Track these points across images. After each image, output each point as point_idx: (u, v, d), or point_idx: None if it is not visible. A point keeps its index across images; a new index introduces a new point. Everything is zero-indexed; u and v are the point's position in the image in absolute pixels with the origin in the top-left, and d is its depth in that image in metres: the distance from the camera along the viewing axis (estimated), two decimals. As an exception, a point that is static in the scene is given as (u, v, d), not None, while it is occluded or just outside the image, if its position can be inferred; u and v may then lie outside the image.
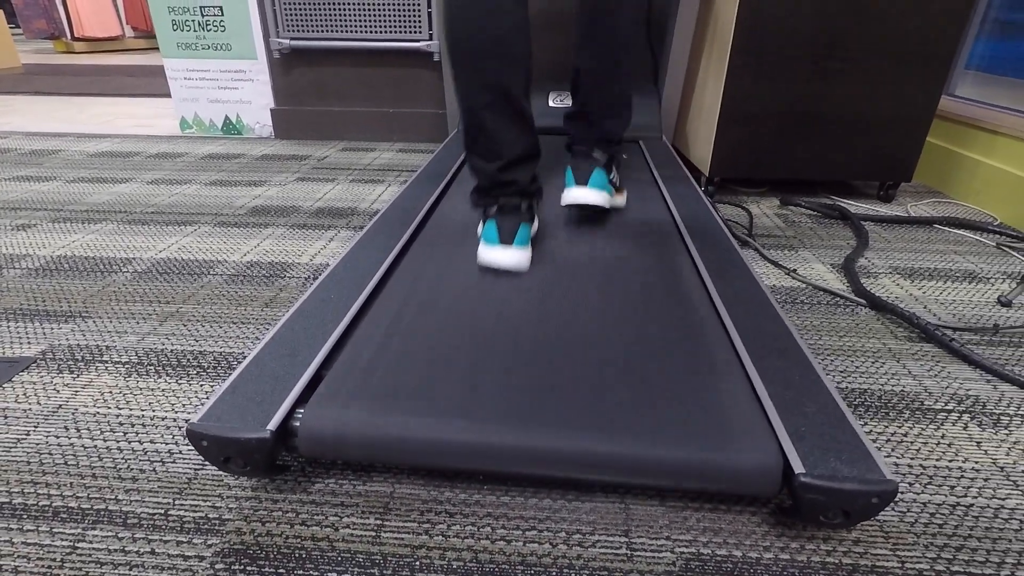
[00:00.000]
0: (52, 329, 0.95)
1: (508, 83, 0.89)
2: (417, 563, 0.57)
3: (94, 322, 0.97)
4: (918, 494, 0.66)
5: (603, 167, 1.05)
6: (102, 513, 0.62)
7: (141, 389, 0.81)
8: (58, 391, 0.81)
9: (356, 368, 0.67)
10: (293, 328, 0.72)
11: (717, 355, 0.71)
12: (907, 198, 1.65)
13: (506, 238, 0.91)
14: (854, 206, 1.57)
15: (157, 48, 5.67)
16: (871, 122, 1.49)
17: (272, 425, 0.56)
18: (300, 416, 0.60)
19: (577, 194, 1.03)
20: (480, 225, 1.01)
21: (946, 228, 1.42)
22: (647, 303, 0.83)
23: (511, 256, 0.91)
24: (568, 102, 1.82)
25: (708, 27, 1.61)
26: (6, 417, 0.76)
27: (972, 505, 0.65)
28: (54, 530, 0.60)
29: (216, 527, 0.60)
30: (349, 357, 0.68)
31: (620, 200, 1.21)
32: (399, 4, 1.96)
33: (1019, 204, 1.43)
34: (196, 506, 0.63)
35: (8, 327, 0.96)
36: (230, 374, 0.83)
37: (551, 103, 1.79)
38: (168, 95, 2.99)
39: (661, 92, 1.80)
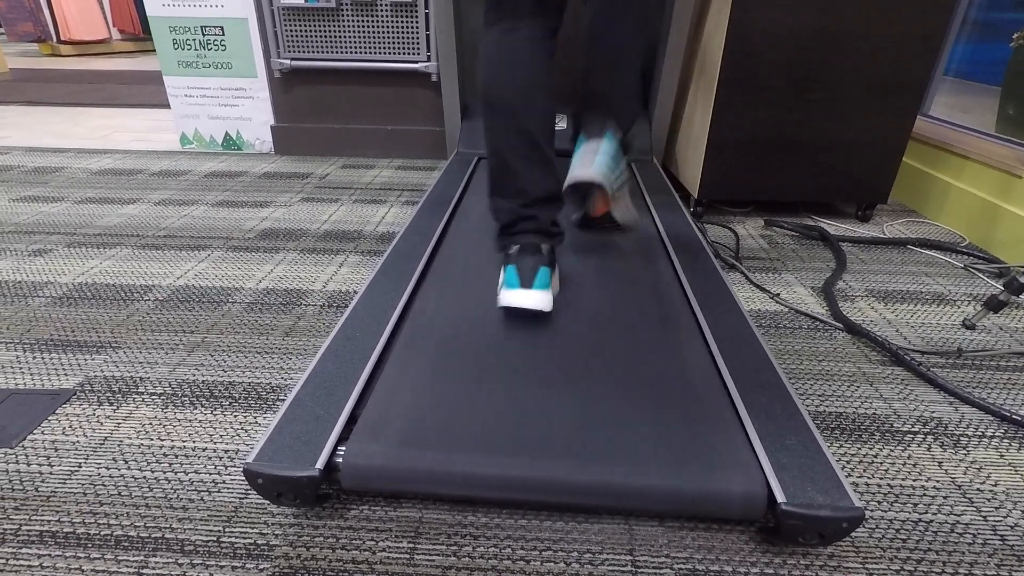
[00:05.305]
0: (86, 360, 1.01)
1: (534, 129, 0.97)
2: (448, 583, 0.64)
3: (125, 353, 1.03)
4: (885, 512, 0.75)
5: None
6: (160, 541, 0.69)
7: (179, 420, 0.88)
8: (101, 423, 0.87)
9: (388, 406, 0.74)
10: (326, 368, 0.79)
11: (709, 391, 0.79)
12: (884, 217, 1.75)
13: (526, 282, 0.92)
14: (833, 226, 1.66)
15: (144, 51, 5.68)
16: (849, 148, 1.59)
17: (320, 464, 0.63)
18: (342, 453, 0.67)
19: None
20: (501, 273, 1.02)
21: (918, 249, 1.52)
22: (645, 338, 0.91)
23: (531, 297, 0.91)
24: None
25: (697, 58, 1.69)
26: (57, 449, 0.82)
27: (932, 521, 0.73)
28: (119, 558, 0.67)
29: (265, 552, 0.67)
30: (380, 396, 0.76)
31: (629, 213, 1.23)
32: (398, 27, 2.02)
33: (985, 226, 1.53)
34: (245, 533, 0.70)
35: (44, 359, 1.01)
36: (264, 408, 0.90)
37: (547, 125, 1.86)
38: (164, 106, 3.03)
39: (652, 116, 1.88)
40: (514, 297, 0.92)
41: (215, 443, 0.83)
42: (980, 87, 1.81)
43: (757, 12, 1.42)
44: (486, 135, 1.00)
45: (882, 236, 1.60)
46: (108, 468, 0.79)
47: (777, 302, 1.24)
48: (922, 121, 1.84)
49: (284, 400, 0.91)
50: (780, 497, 0.61)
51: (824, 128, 1.56)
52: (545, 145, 0.99)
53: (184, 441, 0.84)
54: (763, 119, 1.55)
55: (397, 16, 2.00)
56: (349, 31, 2.04)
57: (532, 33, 0.98)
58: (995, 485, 0.79)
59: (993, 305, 1.12)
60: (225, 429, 0.86)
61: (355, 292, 1.25)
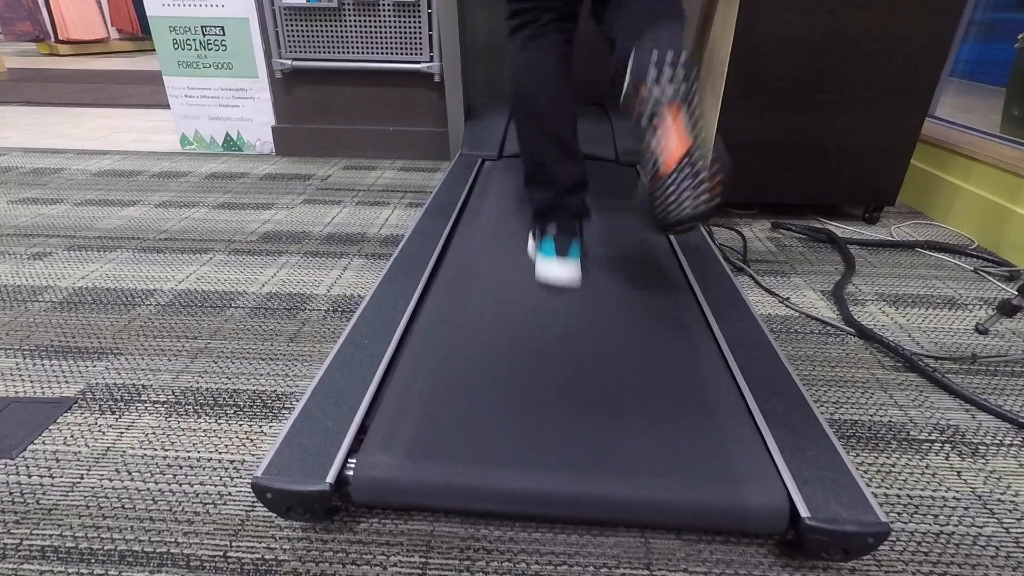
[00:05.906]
0: (87, 367, 0.99)
1: (561, 131, 1.10)
2: (462, 599, 0.63)
3: (127, 359, 1.01)
4: (906, 523, 0.73)
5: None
6: (165, 556, 0.67)
7: (183, 429, 0.86)
8: (103, 433, 0.85)
9: (397, 417, 0.72)
10: (334, 377, 0.77)
11: (726, 401, 0.77)
12: (891, 219, 1.73)
13: (562, 251, 1.09)
14: (841, 228, 1.65)
15: (143, 51, 5.64)
16: (856, 151, 1.57)
17: (330, 477, 0.62)
18: (352, 466, 0.65)
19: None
20: (533, 244, 1.17)
21: (927, 251, 1.51)
22: (659, 346, 0.89)
23: (566, 269, 1.08)
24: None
25: (704, 61, 1.68)
26: (58, 460, 0.80)
27: (953, 533, 0.72)
28: (123, 573, 0.65)
29: (273, 568, 0.66)
30: (390, 406, 0.74)
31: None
32: (400, 27, 2.00)
33: (994, 228, 1.52)
34: (252, 547, 0.68)
35: (44, 365, 1.00)
36: (270, 416, 0.88)
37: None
38: (163, 106, 3.01)
39: (657, 116, 1.87)
40: (550, 268, 1.09)
41: (220, 453, 0.82)
42: (982, 87, 1.80)
43: (765, 14, 1.41)
44: (519, 136, 1.14)
45: (890, 239, 1.58)
46: (111, 480, 0.77)
47: (787, 306, 1.23)
48: (929, 122, 1.82)
49: (291, 410, 0.90)
50: (803, 512, 0.60)
51: (831, 130, 1.55)
52: (571, 141, 1.12)
53: (188, 451, 0.82)
54: (770, 121, 1.53)
55: (399, 16, 1.99)
56: (351, 31, 2.02)
57: (552, 41, 1.06)
58: (1016, 495, 0.78)
59: (1007, 310, 1.11)
60: (230, 439, 0.84)
61: (360, 296, 1.23)
